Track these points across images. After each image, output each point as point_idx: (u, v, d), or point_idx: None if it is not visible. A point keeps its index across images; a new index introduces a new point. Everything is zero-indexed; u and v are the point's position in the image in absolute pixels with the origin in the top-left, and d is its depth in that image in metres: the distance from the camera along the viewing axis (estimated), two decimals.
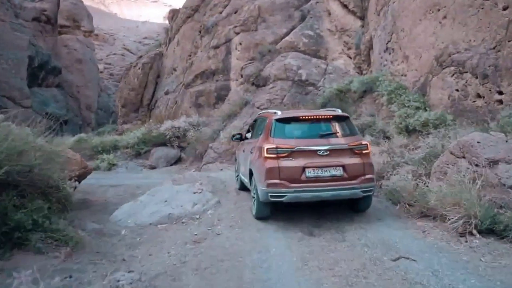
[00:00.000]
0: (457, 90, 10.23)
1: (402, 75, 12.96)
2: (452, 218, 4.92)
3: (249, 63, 17.68)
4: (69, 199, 6.38)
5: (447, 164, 5.85)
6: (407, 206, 6.12)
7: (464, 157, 5.85)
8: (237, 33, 18.73)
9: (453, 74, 10.36)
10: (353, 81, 14.40)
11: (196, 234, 5.70)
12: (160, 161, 16.29)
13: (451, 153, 6.07)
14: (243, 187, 7.84)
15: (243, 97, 16.39)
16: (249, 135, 7.88)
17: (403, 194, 6.17)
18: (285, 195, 5.54)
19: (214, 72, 19.55)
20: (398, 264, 4.30)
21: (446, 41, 10.89)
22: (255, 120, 7.79)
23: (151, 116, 24.83)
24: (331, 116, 6.20)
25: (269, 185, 5.57)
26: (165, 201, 6.92)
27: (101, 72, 55.45)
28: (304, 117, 6.21)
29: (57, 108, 39.11)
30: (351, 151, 5.77)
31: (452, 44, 10.59)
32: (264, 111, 8.59)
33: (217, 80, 19.39)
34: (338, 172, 5.59)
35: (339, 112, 6.60)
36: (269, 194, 5.59)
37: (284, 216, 6.16)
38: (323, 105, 14.08)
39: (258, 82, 16.82)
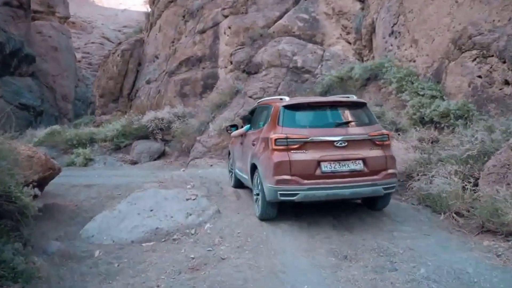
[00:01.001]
0: (479, 76, 9.09)
1: (410, 61, 11.78)
2: None
3: (239, 48, 16.26)
4: (26, 212, 4.92)
5: (508, 165, 4.64)
6: (454, 216, 4.90)
7: None
8: (226, 16, 17.25)
9: (475, 59, 9.21)
10: (355, 68, 13.14)
11: (193, 258, 4.38)
12: (142, 155, 14.80)
13: None
14: (238, 185, 7.04)
15: (234, 86, 15.01)
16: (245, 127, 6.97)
17: (450, 201, 4.95)
18: (298, 193, 4.82)
19: (200, 59, 18.04)
20: None
21: (464, 22, 9.74)
22: (253, 110, 7.03)
23: (132, 106, 23.16)
24: (347, 103, 5.58)
25: (278, 182, 4.84)
26: (151, 210, 5.55)
27: (79, 61, 52.92)
28: (316, 104, 5.58)
29: (31, 98, 36.85)
30: (372, 142, 5.14)
31: (472, 25, 9.44)
32: (265, 98, 7.67)
33: (203, 68, 17.89)
34: (358, 166, 4.95)
35: (354, 98, 5.91)
36: (279, 192, 4.86)
37: (298, 223, 4.85)
38: (323, 94, 12.84)
39: (249, 69, 15.44)
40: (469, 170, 5.36)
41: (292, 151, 4.87)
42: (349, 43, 15.58)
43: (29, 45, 38.02)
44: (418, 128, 9.23)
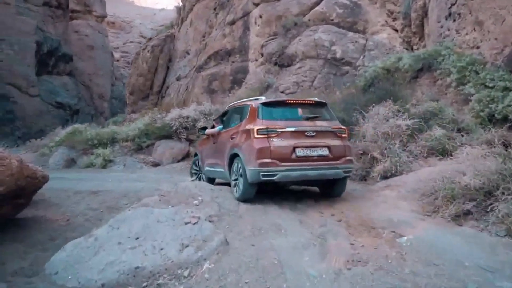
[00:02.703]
0: None
1: (473, 47, 9.80)
2: None
3: (271, 39, 14.76)
4: None
5: None
6: None
7: None
8: (256, 5, 15.77)
9: None
10: (403, 58, 11.29)
11: None
12: (165, 157, 13.62)
13: None
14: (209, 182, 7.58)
15: (264, 80, 13.55)
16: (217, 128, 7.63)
17: None
18: (277, 174, 5.59)
19: (229, 52, 16.67)
20: None
21: None
22: (225, 112, 7.78)
23: (162, 104, 22.21)
24: (313, 102, 6.57)
25: (261, 165, 5.57)
26: (136, 238, 4.14)
27: (118, 60, 53.41)
28: (289, 102, 6.50)
29: (67, 97, 37.03)
30: (334, 133, 6.08)
31: None
32: (235, 102, 8.26)
33: (233, 62, 16.51)
34: (325, 152, 5.85)
35: (317, 99, 6.89)
36: (261, 173, 5.58)
37: None
38: (366, 88, 11.14)
39: (282, 61, 13.91)
40: None
41: (271, 139, 5.67)
42: (396, 30, 13.69)
43: (66, 44, 38.23)
44: (488, 128, 7.38)
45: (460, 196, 5.00)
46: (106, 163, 13.45)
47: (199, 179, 8.16)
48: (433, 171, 6.19)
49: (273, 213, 5.29)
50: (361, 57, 13.15)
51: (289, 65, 13.70)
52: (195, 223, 4.35)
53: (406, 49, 13.15)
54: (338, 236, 4.35)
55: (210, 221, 4.78)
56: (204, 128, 8.32)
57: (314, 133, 5.81)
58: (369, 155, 7.88)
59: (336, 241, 4.19)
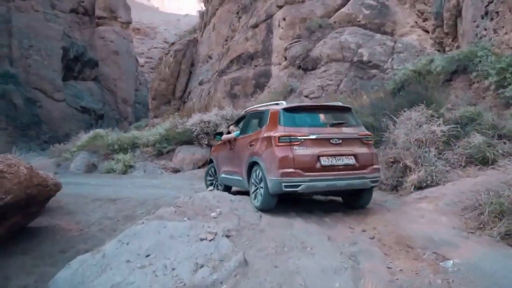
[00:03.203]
0: None
1: None
2: None
3: (295, 42, 14.32)
4: None
5: None
6: None
7: None
8: (280, 7, 15.38)
9: None
10: (435, 60, 10.64)
11: None
12: (185, 163, 13.32)
13: None
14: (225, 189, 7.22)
15: (288, 84, 13.11)
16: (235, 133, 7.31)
17: None
18: (301, 185, 5.27)
19: (252, 56, 16.32)
20: None
21: None
22: (242, 117, 7.47)
23: (184, 109, 22.05)
24: (337, 107, 6.31)
25: (283, 174, 5.25)
26: (147, 256, 3.76)
27: (142, 66, 54.07)
28: (311, 107, 6.38)
29: (92, 101, 37.56)
30: (360, 141, 5.78)
31: None
32: (252, 106, 8.04)
33: (255, 65, 16.15)
34: (351, 161, 5.55)
35: (341, 104, 6.65)
36: (283, 184, 5.26)
37: None
38: (395, 92, 10.55)
39: (306, 65, 13.45)
40: None
41: (294, 147, 5.34)
42: (427, 31, 13.03)
43: (92, 50, 38.85)
44: None
45: (511, 212, 4.42)
46: (127, 169, 13.26)
47: (215, 187, 7.71)
48: (476, 182, 5.60)
49: (298, 228, 4.83)
50: (389, 59, 12.55)
51: (313, 69, 13.22)
52: (211, 240, 3.94)
53: (438, 50, 12.47)
54: (372, 258, 3.85)
55: (228, 236, 4.36)
56: (220, 134, 8.01)
57: (340, 141, 5.51)
58: (401, 163, 7.31)
59: (371, 264, 3.69)
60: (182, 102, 23.66)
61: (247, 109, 7.82)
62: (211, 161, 8.38)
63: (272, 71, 15.33)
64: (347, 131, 5.73)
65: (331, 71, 12.62)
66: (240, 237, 4.44)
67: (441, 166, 6.77)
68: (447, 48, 12.19)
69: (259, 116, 6.48)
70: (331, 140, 5.45)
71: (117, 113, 42.37)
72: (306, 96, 12.41)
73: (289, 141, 5.36)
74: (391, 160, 7.64)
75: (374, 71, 12.44)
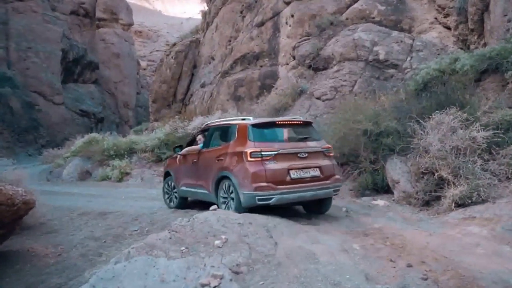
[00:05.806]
0: None
1: None
2: None
3: (304, 40, 13.33)
4: None
5: None
6: None
7: None
8: (288, 3, 14.40)
9: None
10: (460, 59, 9.62)
11: None
12: None
13: None
14: (183, 205, 7.54)
15: (297, 85, 12.15)
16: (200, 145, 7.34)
17: None
18: (273, 197, 5.51)
19: (257, 56, 15.33)
20: None
21: None
22: (204, 130, 7.53)
23: (186, 112, 21.10)
24: (301, 122, 6.59)
25: (256, 189, 5.47)
26: None
27: (144, 69, 53.27)
28: (279, 122, 6.40)
29: (92, 105, 36.65)
30: (323, 153, 6.13)
31: None
32: (211, 121, 8.22)
33: (261, 66, 15.16)
34: (317, 172, 5.87)
35: (303, 119, 6.98)
36: (257, 197, 5.49)
37: None
38: (418, 93, 9.54)
39: (316, 64, 12.45)
40: None
41: (265, 161, 5.59)
42: (448, 28, 12.00)
43: (92, 52, 37.98)
44: None
45: None
46: (123, 176, 12.32)
47: (170, 201, 7.92)
48: None
49: (325, 260, 3.80)
50: (408, 58, 11.53)
51: (325, 68, 12.22)
52: (215, 287, 2.93)
53: (461, 48, 11.46)
54: None
55: (237, 273, 3.35)
56: (180, 146, 7.97)
57: (306, 154, 5.85)
58: (436, 174, 6.29)
59: None
60: (184, 105, 22.69)
61: (209, 122, 8.02)
62: (167, 174, 8.21)
63: (279, 72, 14.32)
64: (311, 144, 6.07)
65: (345, 71, 11.61)
66: (253, 275, 3.43)
67: (487, 179, 5.74)
68: (472, 46, 11.15)
69: (224, 130, 6.68)
70: (298, 154, 5.78)
71: (118, 116, 41.42)
72: (318, 98, 11.40)
73: (261, 156, 5.58)
74: (422, 171, 6.63)
75: (391, 70, 11.41)
